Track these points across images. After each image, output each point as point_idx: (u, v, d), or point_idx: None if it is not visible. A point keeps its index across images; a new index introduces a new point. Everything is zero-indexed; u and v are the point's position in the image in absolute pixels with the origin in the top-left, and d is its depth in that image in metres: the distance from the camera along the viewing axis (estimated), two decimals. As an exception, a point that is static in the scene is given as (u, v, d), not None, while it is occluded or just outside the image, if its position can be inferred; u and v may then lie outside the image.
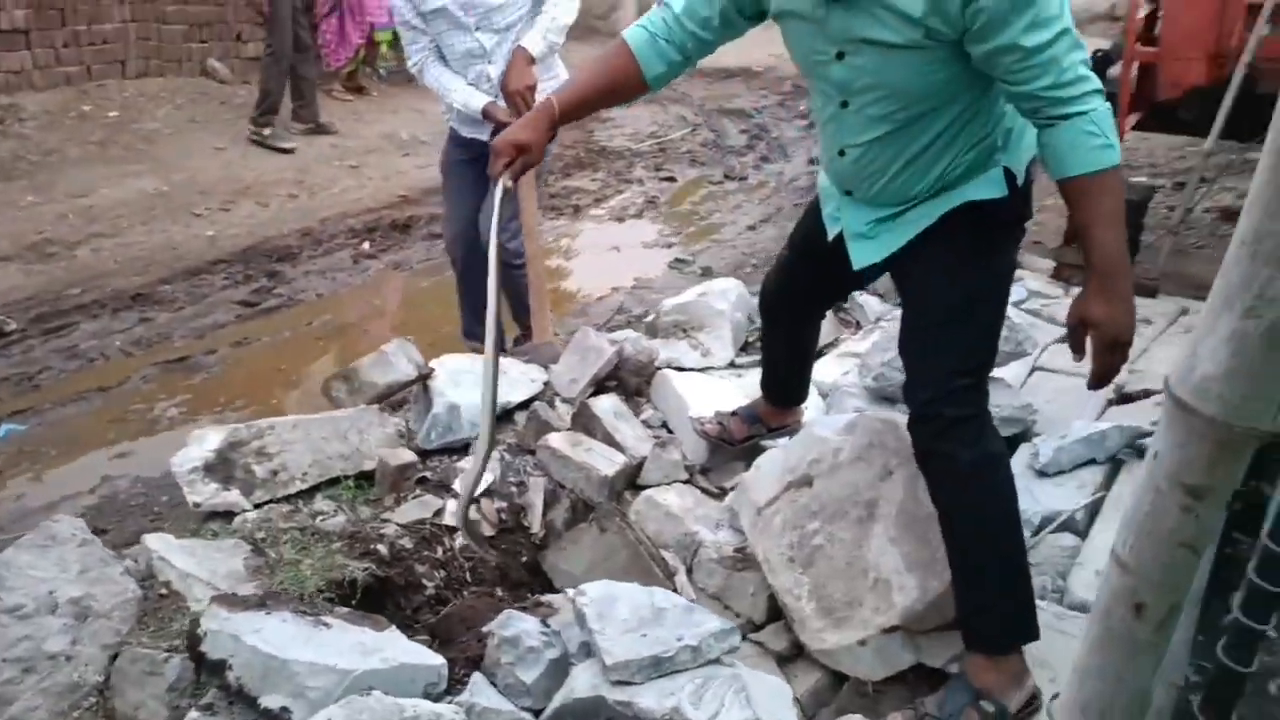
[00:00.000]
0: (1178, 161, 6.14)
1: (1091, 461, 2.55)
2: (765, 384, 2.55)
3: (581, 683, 1.77)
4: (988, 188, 1.80)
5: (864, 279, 2.32)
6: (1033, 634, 1.82)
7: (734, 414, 2.62)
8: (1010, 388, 2.76)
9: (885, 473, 2.14)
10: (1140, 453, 2.60)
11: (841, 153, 1.85)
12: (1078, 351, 1.68)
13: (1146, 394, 2.94)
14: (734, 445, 2.61)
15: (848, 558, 2.09)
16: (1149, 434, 2.60)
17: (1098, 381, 1.68)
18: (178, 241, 4.96)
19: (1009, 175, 1.81)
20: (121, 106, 6.34)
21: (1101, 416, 2.80)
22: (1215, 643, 1.76)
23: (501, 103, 3.18)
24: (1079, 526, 2.35)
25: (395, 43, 8.29)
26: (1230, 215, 5.39)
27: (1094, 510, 2.41)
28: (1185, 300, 3.79)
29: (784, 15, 1.78)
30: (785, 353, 2.45)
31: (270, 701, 1.65)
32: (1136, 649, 0.70)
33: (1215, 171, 5.99)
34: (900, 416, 2.25)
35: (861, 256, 1.94)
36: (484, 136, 3.26)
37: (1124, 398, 2.97)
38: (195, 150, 6.06)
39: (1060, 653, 1.93)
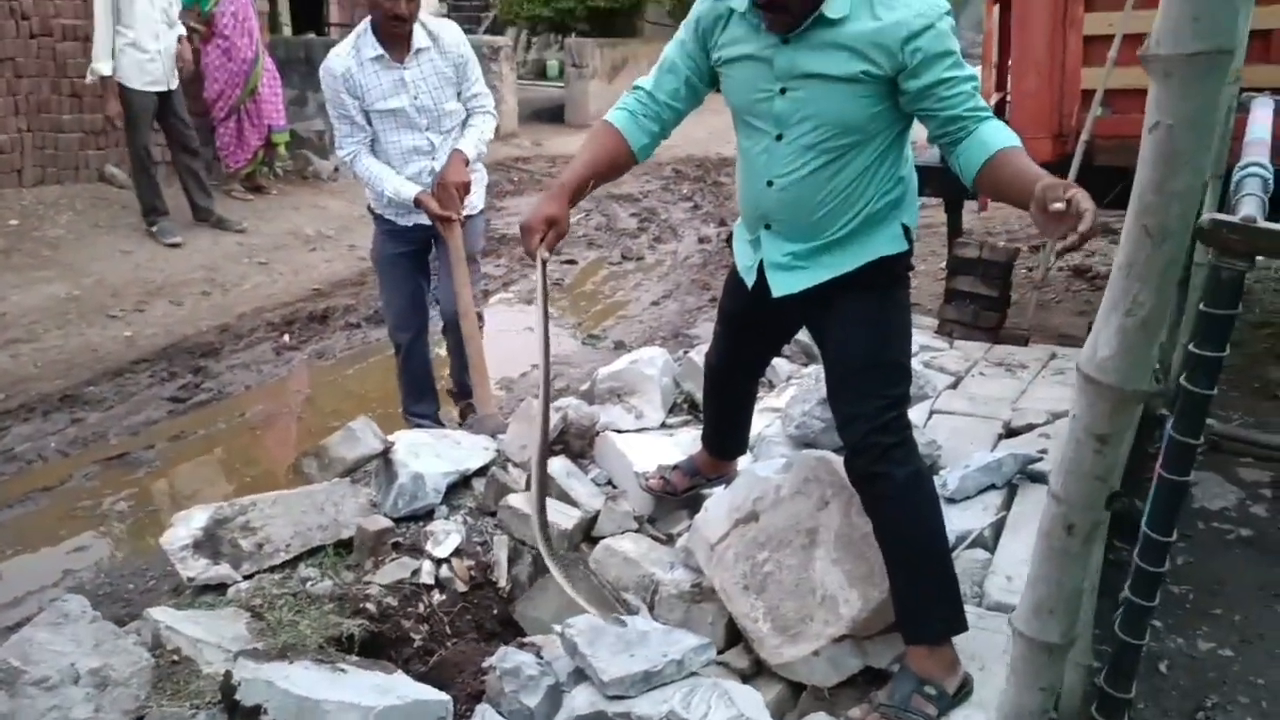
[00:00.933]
0: (1032, 228, 6.78)
1: (992, 487, 2.90)
2: (708, 440, 2.78)
3: (581, 701, 1.99)
4: (892, 243, 2.12)
5: (788, 332, 2.65)
6: (962, 626, 2.12)
7: (675, 468, 2.86)
8: (916, 427, 3.11)
9: (822, 503, 2.43)
10: (1031, 477, 2.97)
11: (770, 183, 2.09)
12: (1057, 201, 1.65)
13: (1030, 427, 3.35)
14: (677, 496, 2.87)
15: (796, 580, 2.36)
16: (1037, 460, 2.99)
17: (1090, 228, 1.61)
18: (96, 343, 5.00)
19: (906, 231, 2.15)
20: (21, 215, 6.33)
21: (995, 449, 3.18)
22: (1110, 632, 2.11)
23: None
24: (988, 542, 2.68)
25: (292, 144, 8.50)
26: (1081, 273, 6.02)
27: (999, 528, 2.75)
28: (1052, 347, 4.26)
29: (734, 60, 2.06)
30: (728, 414, 2.71)
31: (305, 739, 1.81)
32: (1069, 559, 0.98)
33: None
34: (831, 454, 2.57)
35: (781, 286, 2.18)
36: (422, 219, 3.51)
37: (1012, 432, 3.36)
38: (102, 254, 6.09)
39: (984, 646, 2.24)
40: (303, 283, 6.27)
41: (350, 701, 1.86)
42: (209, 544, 2.48)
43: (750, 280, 2.25)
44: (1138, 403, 0.90)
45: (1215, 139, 1.99)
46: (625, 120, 2.17)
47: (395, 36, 3.30)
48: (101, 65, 5.98)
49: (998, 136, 1.90)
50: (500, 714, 2.01)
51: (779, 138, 2.05)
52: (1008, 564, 2.56)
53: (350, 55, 3.35)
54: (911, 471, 2.07)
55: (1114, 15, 3.67)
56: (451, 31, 3.49)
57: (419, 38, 3.39)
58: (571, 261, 7.15)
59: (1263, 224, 1.76)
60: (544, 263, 2.03)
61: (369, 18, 3.37)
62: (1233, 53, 0.77)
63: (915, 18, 1.88)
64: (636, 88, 2.21)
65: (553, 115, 14.57)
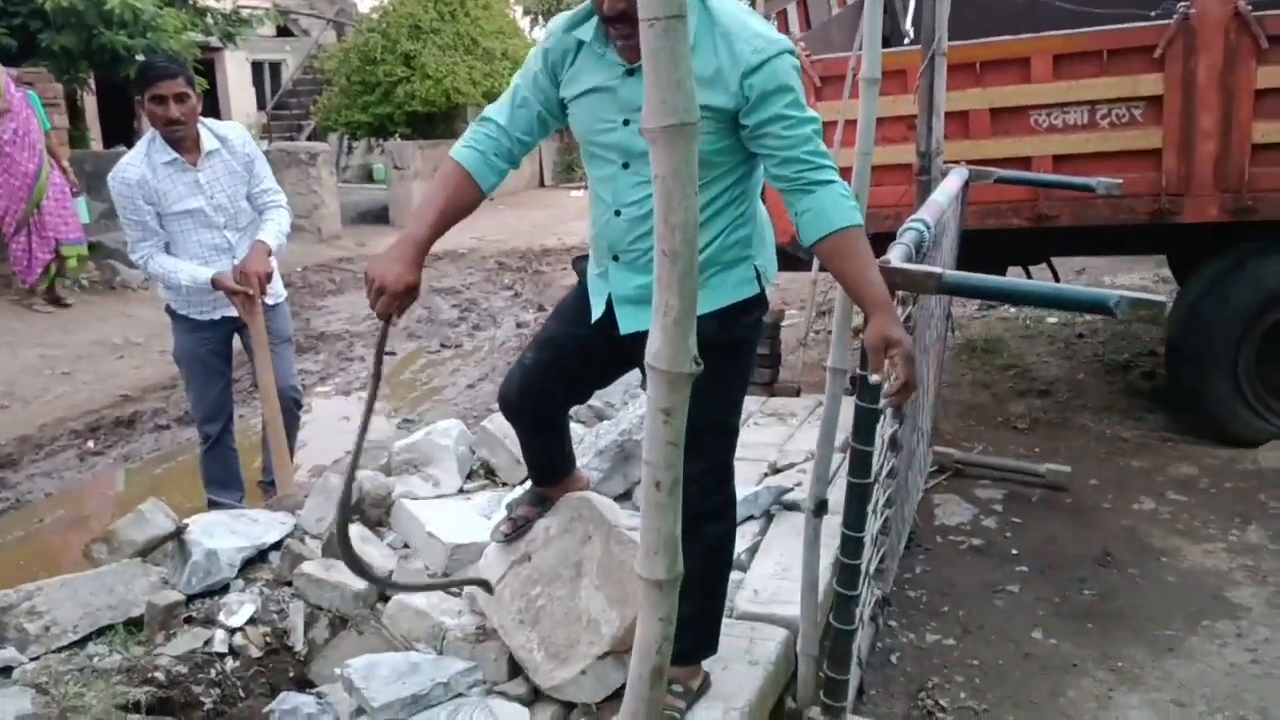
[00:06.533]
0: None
1: (750, 517, 3.24)
2: (536, 477, 2.72)
3: (356, 731, 2.16)
4: (743, 286, 2.13)
5: (614, 374, 2.54)
6: (713, 650, 2.38)
7: (520, 504, 2.79)
8: (685, 472, 3.44)
9: (586, 538, 2.68)
10: (786, 506, 3.34)
11: (617, 213, 2.09)
12: (877, 371, 1.87)
13: (791, 465, 3.73)
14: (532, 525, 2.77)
15: (565, 610, 2.60)
16: (789, 490, 3.36)
17: (904, 391, 1.84)
18: (-115, 462, 4.84)
19: (758, 274, 2.15)
20: None
21: (761, 484, 3.53)
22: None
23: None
24: (744, 564, 3.00)
25: (90, 256, 8.40)
26: (856, 332, 6.60)
27: (754, 551, 3.08)
28: (822, 397, 4.70)
29: (582, 95, 2.06)
30: (544, 447, 2.64)
31: (81, 789, 1.92)
32: (661, 508, 1.25)
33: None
34: (592, 493, 2.84)
35: (630, 322, 2.16)
36: (226, 312, 3.67)
37: (776, 470, 3.74)
38: (-112, 373, 5.90)
39: (728, 649, 2.52)
40: (109, 390, 6.20)
41: (128, 752, 1.98)
42: (-7, 631, 2.53)
43: (598, 312, 2.23)
44: (685, 382, 1.21)
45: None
46: (477, 161, 2.12)
47: (178, 140, 3.49)
48: None
49: (837, 211, 1.90)
50: (280, 752, 2.16)
51: (625, 166, 2.06)
52: (756, 580, 2.89)
53: (143, 162, 3.51)
54: (722, 530, 2.28)
55: (838, 104, 4.21)
56: (238, 131, 3.71)
57: (207, 140, 3.58)
58: (390, 353, 7.30)
59: (895, 264, 2.18)
60: (389, 325, 2.07)
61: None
62: (695, 124, 1.10)
63: (753, 54, 1.89)
64: (486, 119, 2.17)
65: (378, 216, 14.78)
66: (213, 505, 3.84)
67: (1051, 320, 6.40)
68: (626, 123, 2.03)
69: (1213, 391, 4.21)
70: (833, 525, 2.48)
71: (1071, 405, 4.92)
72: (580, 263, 2.51)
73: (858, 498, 2.33)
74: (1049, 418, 4.77)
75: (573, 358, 2.36)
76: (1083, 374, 5.42)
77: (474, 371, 6.71)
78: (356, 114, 15.23)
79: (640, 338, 2.19)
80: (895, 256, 2.23)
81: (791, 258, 5.19)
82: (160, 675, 2.49)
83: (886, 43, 5.49)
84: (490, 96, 15.65)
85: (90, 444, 5.25)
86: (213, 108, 18.26)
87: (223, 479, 3.87)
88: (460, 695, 2.24)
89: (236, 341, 3.88)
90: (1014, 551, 3.46)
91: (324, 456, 5.18)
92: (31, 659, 2.50)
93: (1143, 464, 4.15)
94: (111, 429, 5.47)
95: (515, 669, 2.65)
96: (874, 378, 1.87)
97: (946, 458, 4.14)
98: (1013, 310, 6.78)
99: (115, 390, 6.20)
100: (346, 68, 15.33)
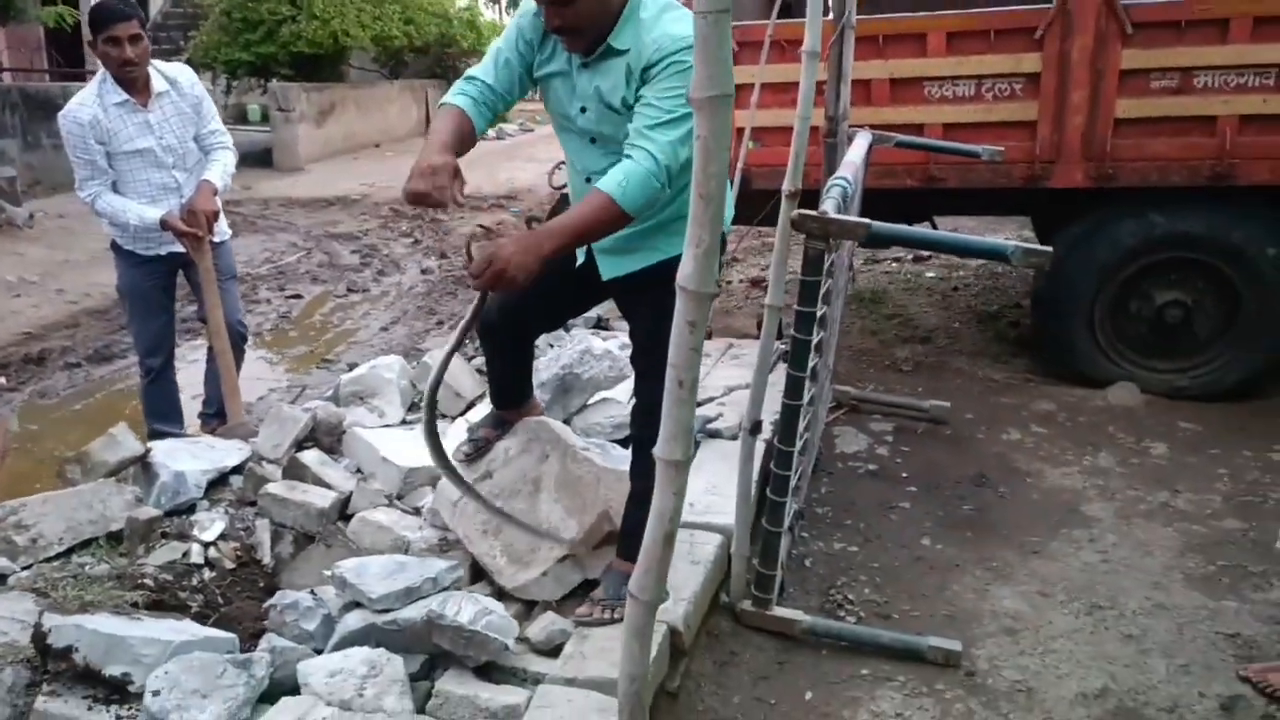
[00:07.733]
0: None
1: (679, 443, 3.59)
2: (498, 400, 3.04)
3: (352, 620, 2.41)
4: None
5: (586, 306, 2.92)
6: None
7: (481, 427, 3.11)
8: (620, 402, 3.76)
9: (543, 456, 2.98)
10: (710, 434, 3.70)
11: (588, 179, 2.37)
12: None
13: (711, 399, 4.09)
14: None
15: (526, 520, 2.90)
16: (714, 419, 3.72)
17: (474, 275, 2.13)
18: None
19: None
20: None
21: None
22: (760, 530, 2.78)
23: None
24: (676, 484, 3.35)
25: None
26: (757, 283, 7.01)
27: (684, 472, 3.43)
28: (731, 339, 5.09)
29: (549, 76, 2.36)
30: (511, 370, 2.97)
31: (114, 670, 2.13)
32: (683, 403, 1.57)
33: (744, 254, 7.66)
34: (547, 418, 3.13)
35: (610, 270, 2.52)
36: (172, 248, 3.77)
37: (697, 404, 4.09)
38: None
39: (675, 554, 2.87)
40: (10, 328, 6.11)
41: (152, 637, 2.19)
42: (-19, 543, 2.67)
43: (580, 259, 2.56)
44: (708, 300, 1.51)
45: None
46: (471, 106, 2.34)
47: (130, 81, 3.56)
48: None
49: (611, 177, 2.14)
50: (284, 639, 2.39)
51: (593, 141, 2.37)
52: (691, 495, 3.19)
53: (95, 103, 3.58)
54: None
55: (753, 68, 4.53)
56: (186, 74, 3.80)
57: (157, 82, 3.67)
58: (297, 296, 7.35)
59: (831, 215, 2.52)
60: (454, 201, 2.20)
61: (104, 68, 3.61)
62: (732, 95, 1.39)
63: (654, 52, 2.14)
64: (473, 78, 2.39)
65: (258, 160, 14.42)
66: (155, 435, 3.96)
67: (929, 275, 6.95)
68: (584, 110, 2.31)
69: (1071, 338, 4.77)
70: (757, 447, 2.85)
71: (949, 350, 5.44)
72: (563, 204, 2.78)
73: (789, 416, 2.69)
74: (930, 361, 5.26)
75: (553, 287, 2.62)
76: (958, 323, 5.96)
77: (385, 315, 6.84)
78: (237, 52, 14.78)
79: (617, 280, 2.58)
80: (829, 208, 2.58)
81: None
82: (149, 582, 2.68)
83: (787, 11, 5.85)
84: (379, 40, 15.39)
85: (2, 380, 5.21)
86: (75, 49, 16.95)
87: (165, 411, 3.99)
88: (445, 590, 2.51)
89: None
90: (904, 474, 3.91)
91: (247, 392, 5.27)
92: (23, 568, 2.65)
93: (1010, 401, 4.67)
94: (21, 366, 5.44)
95: (477, 575, 2.95)
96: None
97: (844, 395, 4.57)
98: (895, 264, 7.32)
99: (17, 328, 6.11)
100: (226, 3, 14.83)
